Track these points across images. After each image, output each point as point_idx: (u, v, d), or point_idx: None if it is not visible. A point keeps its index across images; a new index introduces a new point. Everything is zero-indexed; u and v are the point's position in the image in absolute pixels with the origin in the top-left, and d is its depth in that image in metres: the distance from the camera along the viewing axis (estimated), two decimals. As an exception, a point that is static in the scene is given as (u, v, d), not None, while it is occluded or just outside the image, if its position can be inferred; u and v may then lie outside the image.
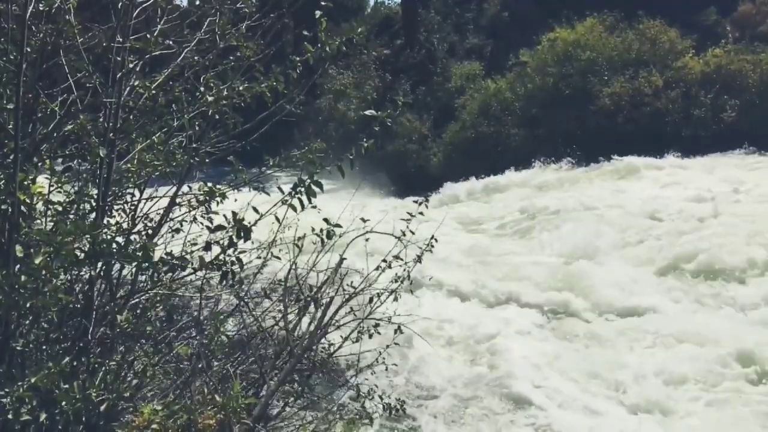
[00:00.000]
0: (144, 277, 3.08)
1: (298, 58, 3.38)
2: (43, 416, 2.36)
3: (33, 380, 2.33)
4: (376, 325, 4.22)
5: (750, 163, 18.66)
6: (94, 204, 2.98)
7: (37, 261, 2.39)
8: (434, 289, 10.31)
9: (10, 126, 2.68)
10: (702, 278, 10.77)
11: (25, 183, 2.58)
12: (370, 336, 4.23)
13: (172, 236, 3.55)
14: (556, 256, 12.39)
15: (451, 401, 7.60)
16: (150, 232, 3.40)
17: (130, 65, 3.11)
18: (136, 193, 3.38)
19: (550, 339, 9.27)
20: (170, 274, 2.91)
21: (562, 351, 8.75)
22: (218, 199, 3.25)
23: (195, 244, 3.35)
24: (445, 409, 7.42)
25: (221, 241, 2.97)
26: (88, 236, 2.50)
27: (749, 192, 15.15)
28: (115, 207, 3.35)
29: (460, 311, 10.02)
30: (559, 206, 16.02)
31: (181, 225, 3.56)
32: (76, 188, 3.09)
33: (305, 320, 4.02)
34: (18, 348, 2.63)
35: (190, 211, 3.50)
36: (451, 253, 12.38)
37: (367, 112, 3.49)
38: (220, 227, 2.96)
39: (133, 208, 3.37)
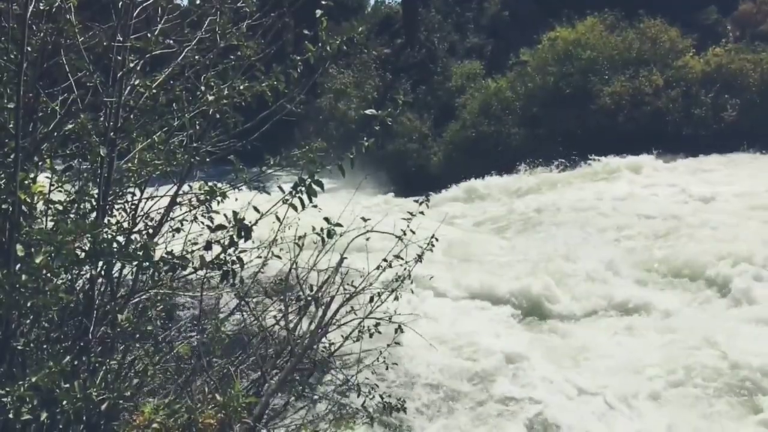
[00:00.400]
0: (145, 276, 3.08)
1: (298, 57, 3.38)
2: (43, 415, 2.36)
3: (34, 379, 2.33)
4: (377, 324, 4.22)
5: (743, 162, 18.85)
6: (94, 203, 2.98)
7: (37, 260, 2.39)
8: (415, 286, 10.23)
9: (11, 125, 2.68)
10: (676, 276, 10.96)
11: (26, 182, 2.58)
12: (371, 335, 4.23)
13: (173, 235, 3.55)
14: (534, 253, 12.59)
15: (436, 394, 7.70)
16: (150, 231, 3.40)
17: (131, 64, 3.11)
18: (137, 192, 3.38)
19: (528, 331, 9.52)
20: (171, 273, 2.91)
21: (540, 342, 9.00)
22: (219, 198, 3.26)
23: (195, 244, 3.35)
24: (431, 402, 7.52)
25: (222, 241, 2.97)
26: (88, 235, 2.50)
27: (728, 191, 15.43)
28: (116, 206, 3.35)
29: (438, 306, 10.05)
30: (540, 207, 16.28)
31: (182, 224, 3.56)
32: (76, 187, 3.08)
33: (306, 319, 4.02)
34: (19, 347, 2.63)
35: (190, 211, 3.50)
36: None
37: (368, 111, 3.48)
38: (220, 226, 2.96)
39: (133, 207, 3.37)
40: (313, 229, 3.46)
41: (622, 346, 8.56)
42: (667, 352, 8.12)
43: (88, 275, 2.85)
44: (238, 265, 3.00)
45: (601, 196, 16.43)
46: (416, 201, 4.46)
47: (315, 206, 3.12)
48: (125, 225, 3.23)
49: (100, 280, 2.91)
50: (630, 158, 19.35)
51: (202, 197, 3.31)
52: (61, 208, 2.94)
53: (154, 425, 2.59)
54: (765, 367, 7.43)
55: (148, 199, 3.43)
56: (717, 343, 8.07)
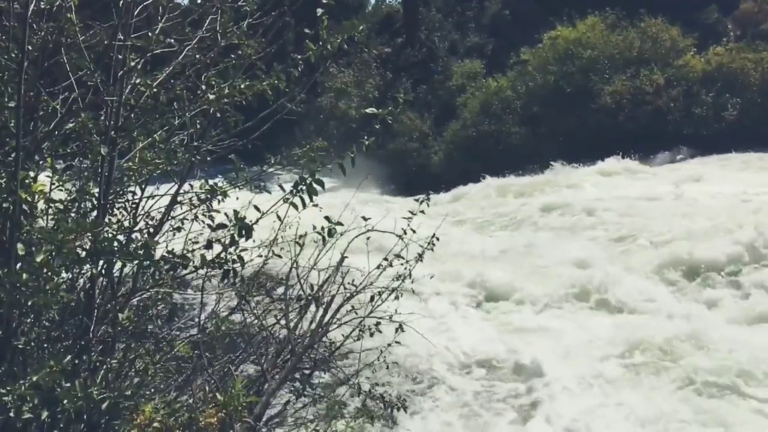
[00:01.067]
0: (145, 275, 3.08)
1: (299, 56, 3.38)
2: (44, 414, 2.36)
3: (34, 378, 2.33)
4: (378, 324, 4.22)
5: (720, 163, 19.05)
6: (95, 202, 2.98)
7: (38, 259, 2.39)
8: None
9: (12, 124, 2.68)
10: (632, 273, 11.32)
11: (27, 181, 2.58)
12: (371, 334, 4.23)
13: (174, 234, 3.55)
14: (500, 251, 13.12)
15: (421, 386, 7.88)
16: (151, 230, 3.39)
17: (132, 63, 3.11)
18: (138, 191, 3.38)
19: (494, 319, 9.93)
20: (171, 272, 2.91)
21: (506, 329, 9.45)
22: (219, 197, 3.26)
23: (196, 243, 3.35)
24: (415, 394, 7.68)
25: (222, 240, 2.97)
26: (89, 234, 2.51)
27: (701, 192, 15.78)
28: (117, 205, 3.35)
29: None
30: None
31: (183, 223, 3.55)
32: (77, 186, 3.09)
33: (306, 318, 4.02)
34: (19, 346, 2.63)
35: (191, 210, 3.49)
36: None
37: (368, 110, 3.48)
38: (221, 225, 2.96)
39: (134, 206, 3.36)
40: (314, 228, 3.46)
41: (581, 331, 9.13)
42: (618, 335, 8.65)
43: (88, 274, 2.85)
44: (238, 264, 3.00)
45: (573, 199, 16.78)
46: (416, 200, 4.46)
47: (316, 205, 3.12)
48: (126, 224, 3.22)
49: (100, 279, 2.91)
50: (612, 161, 19.70)
51: (202, 196, 3.30)
52: (61, 206, 2.95)
53: (155, 424, 2.59)
54: (696, 344, 8.06)
55: (148, 198, 3.42)
56: (662, 327, 8.67)
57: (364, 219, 4.06)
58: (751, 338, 8.12)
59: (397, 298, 4.22)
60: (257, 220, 3.07)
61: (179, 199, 3.45)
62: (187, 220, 3.54)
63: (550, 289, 10.59)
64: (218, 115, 3.31)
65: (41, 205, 2.79)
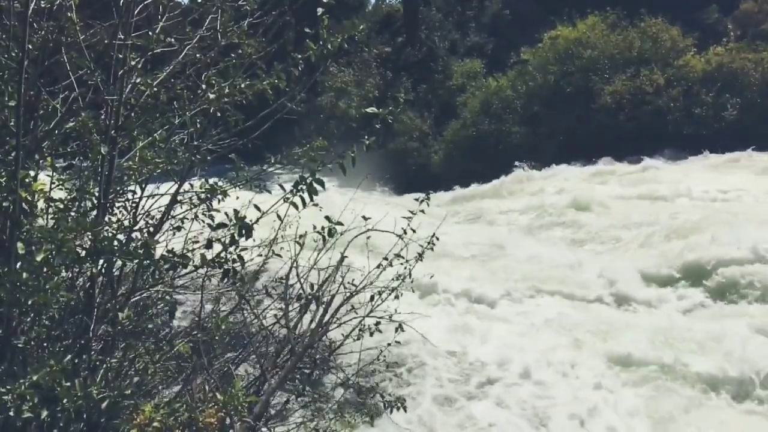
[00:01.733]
0: (145, 274, 3.08)
1: (299, 56, 3.38)
2: (44, 414, 2.36)
3: (34, 378, 2.33)
4: (378, 323, 4.22)
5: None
6: (95, 201, 2.98)
7: (38, 258, 2.39)
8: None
9: (12, 123, 2.68)
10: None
11: (27, 180, 2.58)
12: (371, 334, 4.23)
13: (174, 234, 3.55)
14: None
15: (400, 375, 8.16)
16: (151, 229, 3.40)
17: (132, 62, 3.11)
18: (138, 190, 3.38)
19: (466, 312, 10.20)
20: (171, 271, 2.91)
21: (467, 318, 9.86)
22: (219, 196, 3.25)
23: (196, 242, 3.35)
24: (396, 383, 7.85)
25: (222, 239, 2.97)
26: (89, 233, 2.51)
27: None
28: (117, 204, 3.35)
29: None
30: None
31: (183, 222, 3.55)
32: (77, 185, 3.09)
33: (306, 318, 4.02)
34: (19, 345, 2.63)
35: (191, 209, 3.49)
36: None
37: (369, 110, 3.48)
38: (221, 225, 2.96)
39: (134, 205, 3.36)
40: (314, 227, 3.46)
41: (537, 318, 9.92)
42: (568, 321, 9.48)
43: (88, 273, 2.85)
44: (238, 264, 3.00)
45: (538, 201, 17.28)
46: (416, 200, 4.46)
47: (316, 204, 3.12)
48: (126, 223, 3.22)
49: (100, 278, 2.91)
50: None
51: (202, 195, 3.30)
52: (61, 206, 2.95)
53: (155, 424, 2.59)
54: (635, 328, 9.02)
55: (148, 197, 3.42)
56: (609, 316, 9.79)
57: (364, 218, 4.06)
58: (689, 325, 9.07)
59: (397, 297, 4.22)
60: (257, 220, 3.07)
61: (179, 198, 3.45)
62: (187, 219, 3.54)
63: (511, 281, 11.18)
64: (218, 114, 3.32)
65: (41, 204, 2.80)
